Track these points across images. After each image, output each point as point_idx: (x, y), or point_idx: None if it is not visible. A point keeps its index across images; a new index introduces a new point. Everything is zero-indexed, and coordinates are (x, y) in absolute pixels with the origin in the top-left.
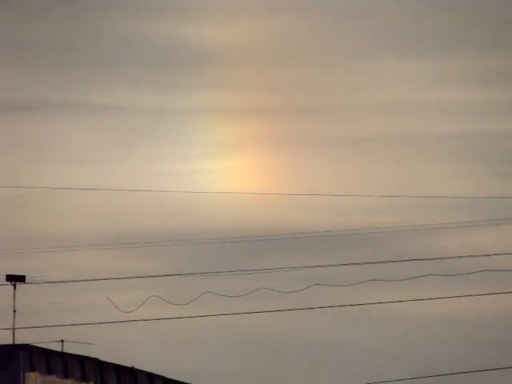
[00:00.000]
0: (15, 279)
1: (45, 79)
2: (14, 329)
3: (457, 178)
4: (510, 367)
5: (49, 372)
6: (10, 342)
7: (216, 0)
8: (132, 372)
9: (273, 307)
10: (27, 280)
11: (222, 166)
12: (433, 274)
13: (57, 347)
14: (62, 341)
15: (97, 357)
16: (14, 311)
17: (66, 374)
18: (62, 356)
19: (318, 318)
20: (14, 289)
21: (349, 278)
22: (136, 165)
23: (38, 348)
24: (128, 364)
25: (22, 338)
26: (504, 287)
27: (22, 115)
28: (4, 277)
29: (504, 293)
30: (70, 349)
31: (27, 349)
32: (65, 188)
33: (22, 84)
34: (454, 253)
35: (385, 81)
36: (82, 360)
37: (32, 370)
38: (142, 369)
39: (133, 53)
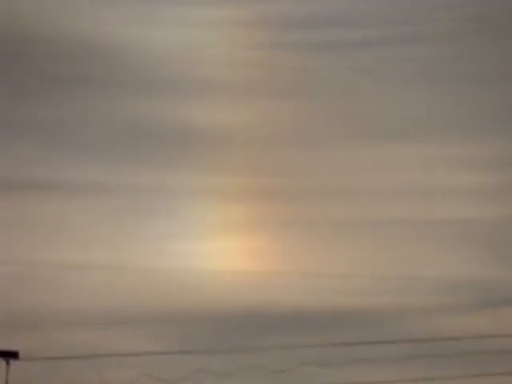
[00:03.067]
0: (8, 355)
1: (44, 159)
2: None
3: (451, 261)
4: None
5: None
6: None
7: (217, 81)
8: None
9: None
10: (21, 356)
11: (218, 247)
12: (418, 355)
13: None
14: None
15: None
16: None
17: None
18: None
19: None
20: (7, 364)
21: (338, 359)
22: (132, 244)
23: None
24: None
25: None
26: (496, 368)
27: (26, 195)
28: None
29: (497, 374)
30: None
31: None
32: (63, 266)
33: (25, 163)
34: (445, 334)
35: (387, 165)
36: None
37: None
38: None
39: (131, 133)
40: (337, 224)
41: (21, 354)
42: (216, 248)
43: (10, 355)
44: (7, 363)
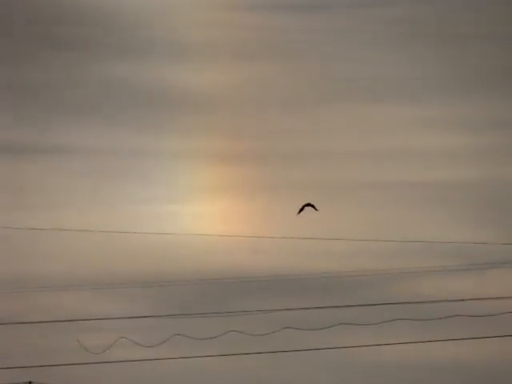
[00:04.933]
0: None
1: (27, 122)
2: None
3: (432, 224)
4: None
5: None
6: None
7: (199, 45)
8: None
9: (243, 350)
10: None
11: (195, 210)
12: (401, 318)
13: None
14: (30, 382)
15: None
16: None
17: None
18: None
19: (287, 361)
20: None
21: (319, 322)
22: (112, 207)
23: None
24: None
25: None
26: (473, 333)
27: (5, 158)
28: None
29: (473, 338)
30: None
31: None
32: (38, 229)
33: (4, 126)
34: (425, 298)
35: (369, 127)
36: None
37: None
38: None
39: (113, 95)
40: (321, 187)
41: None
42: (196, 211)
43: None
44: None
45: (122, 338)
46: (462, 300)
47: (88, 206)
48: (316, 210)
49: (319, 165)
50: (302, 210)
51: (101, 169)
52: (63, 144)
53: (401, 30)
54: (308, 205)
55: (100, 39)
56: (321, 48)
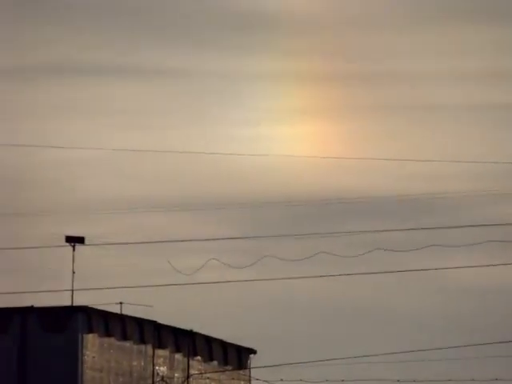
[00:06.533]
0: (74, 241)
1: (115, 44)
2: (72, 290)
3: None
4: None
5: (107, 334)
6: (69, 304)
7: None
8: (190, 335)
9: (332, 271)
10: (86, 242)
11: (286, 131)
12: (492, 240)
13: (115, 309)
14: (121, 303)
15: (155, 319)
16: (73, 273)
17: (124, 336)
18: (121, 318)
19: (377, 282)
20: (73, 250)
21: (410, 244)
22: (202, 128)
23: (96, 310)
24: (186, 327)
25: (81, 299)
26: None
27: (93, 79)
28: (64, 238)
29: None
30: (128, 311)
31: (86, 311)
32: (132, 150)
33: (91, 48)
34: None
35: (464, 48)
36: (141, 322)
37: (90, 331)
38: (201, 332)
39: (202, 17)
40: (406, 108)
41: (87, 240)
42: (281, 133)
43: (76, 240)
44: (73, 249)
45: (213, 259)
46: None
47: (180, 127)
48: None
49: (417, 87)
50: None
51: (191, 91)
52: (155, 66)
53: None
54: None
55: None
56: None
